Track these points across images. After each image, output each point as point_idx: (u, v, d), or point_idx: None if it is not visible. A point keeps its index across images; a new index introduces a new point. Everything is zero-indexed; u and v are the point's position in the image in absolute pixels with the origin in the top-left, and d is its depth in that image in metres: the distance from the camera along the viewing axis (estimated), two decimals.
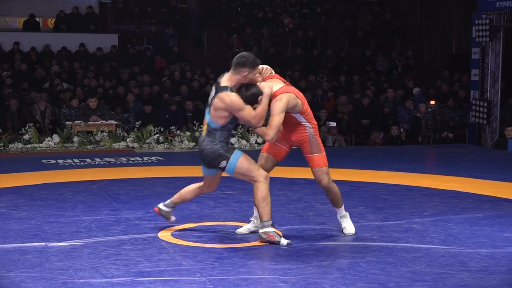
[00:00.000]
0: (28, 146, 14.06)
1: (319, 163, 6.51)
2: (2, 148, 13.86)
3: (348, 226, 6.69)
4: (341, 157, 13.07)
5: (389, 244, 6.46)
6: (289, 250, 6.18)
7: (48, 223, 7.27)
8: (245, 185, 9.71)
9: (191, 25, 22.00)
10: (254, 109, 6.09)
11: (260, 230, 6.19)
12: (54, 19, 21.72)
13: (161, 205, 6.74)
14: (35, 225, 7.16)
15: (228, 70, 6.23)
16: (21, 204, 8.26)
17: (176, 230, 6.91)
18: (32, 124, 14.60)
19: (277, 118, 6.12)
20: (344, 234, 6.63)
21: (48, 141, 14.24)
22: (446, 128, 16.14)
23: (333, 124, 15.80)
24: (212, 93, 6.18)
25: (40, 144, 14.14)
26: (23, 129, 14.40)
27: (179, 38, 21.45)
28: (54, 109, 15.66)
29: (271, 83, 6.26)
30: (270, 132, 6.13)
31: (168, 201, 6.72)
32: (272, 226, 6.21)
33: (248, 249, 6.22)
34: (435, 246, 6.38)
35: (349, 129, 16.34)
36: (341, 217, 6.74)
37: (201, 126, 14.66)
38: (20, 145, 14.02)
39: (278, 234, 6.24)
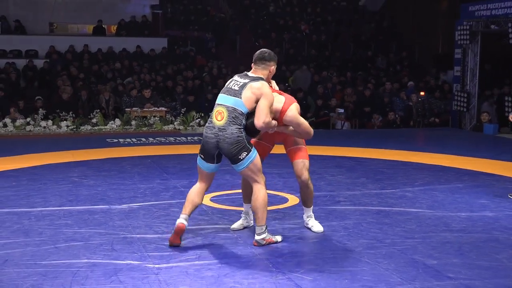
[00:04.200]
0: (96, 128, 14.12)
1: (302, 155, 5.40)
2: (75, 129, 13.95)
3: (316, 225, 5.58)
4: (347, 138, 13.04)
5: (386, 208, 6.44)
6: None
7: (111, 189, 7.33)
8: (269, 159, 9.73)
9: (229, 31, 21.94)
10: (254, 136, 5.17)
11: (258, 237, 5.03)
12: (116, 26, 21.77)
13: (185, 222, 5.08)
14: (101, 191, 7.22)
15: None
16: (90, 174, 8.33)
17: (214, 196, 6.93)
18: (98, 110, 14.67)
19: (303, 122, 5.18)
20: (314, 231, 5.52)
21: (112, 124, 14.30)
22: (433, 115, 16.03)
23: (341, 110, 15.76)
24: (239, 81, 5.02)
25: (105, 127, 14.20)
26: (91, 114, 14.48)
27: (216, 41, 21.42)
28: (116, 98, 15.71)
29: (281, 98, 5.17)
30: (310, 130, 5.24)
31: (185, 216, 5.10)
32: (266, 230, 5.10)
33: (273, 212, 6.23)
34: (423, 210, 6.35)
35: (354, 115, 16.25)
36: (307, 217, 5.65)
37: None
38: (89, 127, 14.09)
39: (273, 235, 5.17)
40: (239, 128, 4.92)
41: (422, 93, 16.22)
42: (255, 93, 4.92)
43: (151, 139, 12.36)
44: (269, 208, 6.34)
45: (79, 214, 6.09)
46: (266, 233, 5.07)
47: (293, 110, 5.13)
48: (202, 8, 23.09)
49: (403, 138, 12.98)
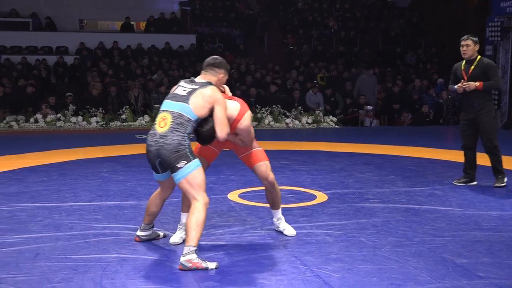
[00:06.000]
0: (125, 124, 14.26)
1: (261, 157, 5.08)
2: (104, 125, 14.09)
3: (288, 228, 5.29)
4: (376, 135, 12.97)
5: (415, 206, 6.39)
6: (333, 210, 6.15)
7: (140, 185, 7.38)
8: (297, 156, 9.72)
9: (257, 28, 21.96)
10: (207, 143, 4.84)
11: (183, 258, 4.34)
12: (145, 23, 21.92)
13: (139, 233, 5.06)
14: (130, 187, 7.27)
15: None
16: (119, 170, 8.40)
17: (242, 193, 6.94)
18: (128, 106, 14.80)
19: (252, 131, 4.95)
20: (287, 235, 5.24)
21: (140, 120, 14.42)
22: None
23: (370, 107, 15.67)
24: (187, 87, 4.68)
25: (134, 123, 14.33)
26: (120, 110, 14.62)
27: (245, 38, 21.44)
28: (145, 94, 15.82)
29: (235, 105, 4.87)
30: (252, 142, 5.02)
31: (142, 225, 5.06)
32: (195, 252, 4.37)
33: (301, 209, 6.22)
34: (453, 209, 6.29)
35: (383, 112, 16.17)
36: (278, 219, 5.33)
37: (263, 108, 14.81)
38: (118, 123, 14.23)
39: (204, 261, 4.39)
40: (182, 136, 4.54)
41: None
42: (208, 101, 4.57)
43: None
44: (298, 205, 6.36)
45: (108, 209, 6.15)
46: (195, 255, 4.35)
47: (247, 119, 4.88)
48: (230, 5, 23.13)
49: (432, 135, 12.87)
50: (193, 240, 4.36)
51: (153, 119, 14.24)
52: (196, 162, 4.56)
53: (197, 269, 4.32)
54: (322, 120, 15.03)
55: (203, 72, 4.85)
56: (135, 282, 4.11)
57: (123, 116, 14.42)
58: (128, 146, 10.89)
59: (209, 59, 4.88)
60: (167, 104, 4.68)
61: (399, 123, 15.61)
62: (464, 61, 7.60)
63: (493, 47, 14.87)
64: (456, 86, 7.47)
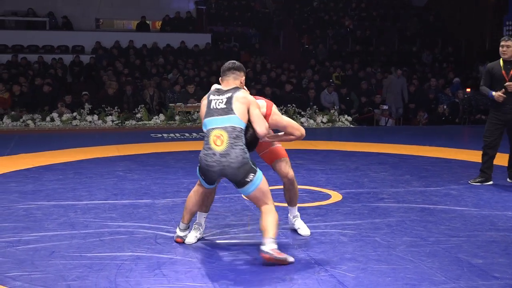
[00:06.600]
0: (140, 123, 14.30)
1: (282, 154, 5.12)
2: (120, 124, 14.14)
3: (303, 227, 5.30)
4: (392, 135, 12.92)
5: (430, 206, 6.36)
6: (347, 210, 6.13)
7: (155, 184, 7.40)
8: (312, 155, 9.71)
9: (273, 27, 21.95)
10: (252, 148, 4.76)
11: (267, 248, 4.42)
12: (161, 22, 21.98)
13: (180, 233, 5.01)
14: (145, 186, 7.29)
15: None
16: (134, 169, 8.42)
17: None
18: (143, 105, 14.85)
19: (289, 120, 5.01)
20: (301, 234, 5.25)
21: (156, 119, 14.47)
22: (479, 111, 15.78)
23: (386, 107, 15.62)
24: (220, 98, 4.63)
25: (149, 121, 14.37)
26: (136, 109, 14.68)
27: (260, 37, 21.44)
28: (160, 94, 15.88)
29: (261, 102, 4.91)
30: (301, 129, 5.00)
31: (182, 224, 5.00)
32: (276, 243, 4.52)
33: (315, 208, 6.21)
34: (469, 209, 6.24)
35: (398, 111, 16.10)
36: (294, 217, 5.36)
37: (277, 107, 14.78)
38: (133, 122, 14.28)
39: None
40: (242, 149, 4.51)
41: (468, 90, 15.99)
42: (244, 102, 4.58)
43: (194, 134, 12.43)
44: (312, 204, 6.35)
45: (123, 207, 6.17)
46: (276, 245, 4.48)
47: (277, 112, 4.94)
48: (246, 4, 23.14)
49: (448, 135, 12.79)
50: (274, 233, 4.48)
51: (168, 118, 14.30)
52: (260, 171, 4.62)
53: (278, 258, 4.40)
54: (337, 120, 15.00)
55: (224, 78, 4.79)
56: (149, 281, 4.12)
57: (139, 115, 14.47)
58: (143, 145, 10.92)
59: (229, 64, 4.82)
60: (214, 121, 4.60)
61: (415, 123, 15.55)
62: (502, 62, 7.48)
63: None
64: (495, 95, 7.28)
